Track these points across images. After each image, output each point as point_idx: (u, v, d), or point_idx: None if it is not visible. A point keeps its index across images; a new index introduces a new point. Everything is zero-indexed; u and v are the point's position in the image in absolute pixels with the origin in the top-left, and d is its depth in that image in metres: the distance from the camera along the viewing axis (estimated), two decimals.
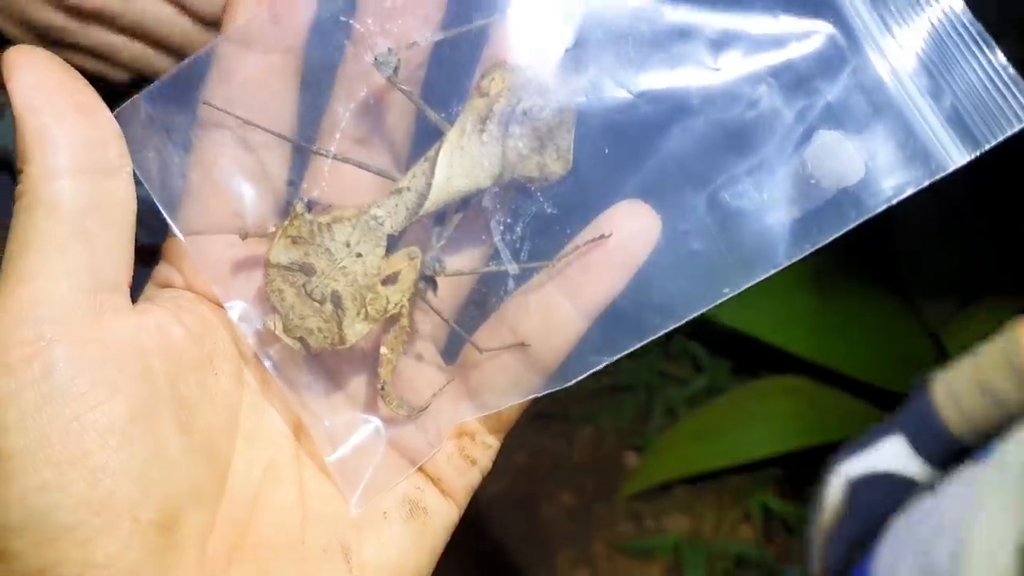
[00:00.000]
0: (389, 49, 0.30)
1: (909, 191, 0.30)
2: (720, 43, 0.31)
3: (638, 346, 0.30)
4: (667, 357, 1.56)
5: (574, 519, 1.47)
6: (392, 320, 0.31)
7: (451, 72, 0.31)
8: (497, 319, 0.31)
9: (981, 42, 0.30)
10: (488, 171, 0.30)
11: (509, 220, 0.31)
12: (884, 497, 0.74)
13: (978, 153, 0.30)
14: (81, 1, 0.47)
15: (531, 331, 0.30)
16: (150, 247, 0.32)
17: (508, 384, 0.31)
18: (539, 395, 0.31)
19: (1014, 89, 0.30)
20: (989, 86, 0.30)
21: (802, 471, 0.98)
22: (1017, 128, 0.30)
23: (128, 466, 0.26)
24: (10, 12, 0.48)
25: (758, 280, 0.30)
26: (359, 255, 0.30)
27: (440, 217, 0.31)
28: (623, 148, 0.31)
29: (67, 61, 0.28)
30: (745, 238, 0.31)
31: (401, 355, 0.31)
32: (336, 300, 0.30)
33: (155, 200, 0.30)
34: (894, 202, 0.30)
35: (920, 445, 0.77)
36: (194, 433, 0.28)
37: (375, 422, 0.31)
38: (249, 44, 0.29)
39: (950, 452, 0.73)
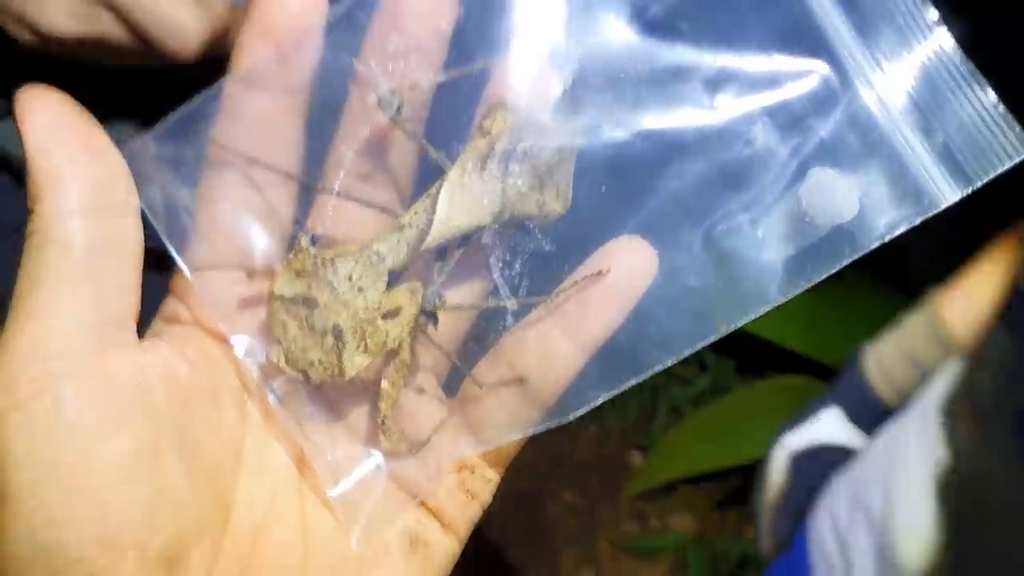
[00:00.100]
0: (392, 90, 0.30)
1: (903, 228, 0.31)
2: (716, 82, 0.31)
3: (636, 381, 0.31)
4: None
5: (578, 518, 1.48)
6: (393, 354, 0.31)
7: (453, 111, 0.32)
8: (496, 354, 0.32)
9: (972, 80, 0.30)
10: (488, 208, 0.31)
11: (508, 257, 0.32)
12: (825, 468, 0.78)
13: (970, 190, 0.31)
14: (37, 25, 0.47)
15: (529, 366, 0.31)
16: (159, 250, 0.32)
17: (508, 419, 0.31)
18: (538, 431, 0.31)
19: (1004, 127, 0.30)
20: (980, 124, 0.30)
21: None
22: (1008, 165, 0.31)
23: (135, 500, 0.27)
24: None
25: (754, 317, 0.31)
26: (360, 289, 0.31)
27: (442, 253, 0.32)
28: (620, 186, 0.31)
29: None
30: (741, 274, 0.31)
31: (402, 388, 0.32)
32: (337, 333, 0.31)
33: (162, 237, 0.31)
34: (887, 239, 0.31)
35: (855, 416, 0.81)
36: (199, 467, 0.29)
37: (377, 456, 0.32)
38: (257, 84, 0.30)
39: (883, 421, 0.77)
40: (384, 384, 0.31)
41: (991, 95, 0.30)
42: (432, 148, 0.31)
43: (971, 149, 0.30)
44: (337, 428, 0.32)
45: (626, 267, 0.30)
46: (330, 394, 0.32)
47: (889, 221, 0.31)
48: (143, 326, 0.30)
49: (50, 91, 0.29)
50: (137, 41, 0.48)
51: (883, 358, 0.81)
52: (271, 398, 0.31)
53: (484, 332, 0.32)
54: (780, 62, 0.31)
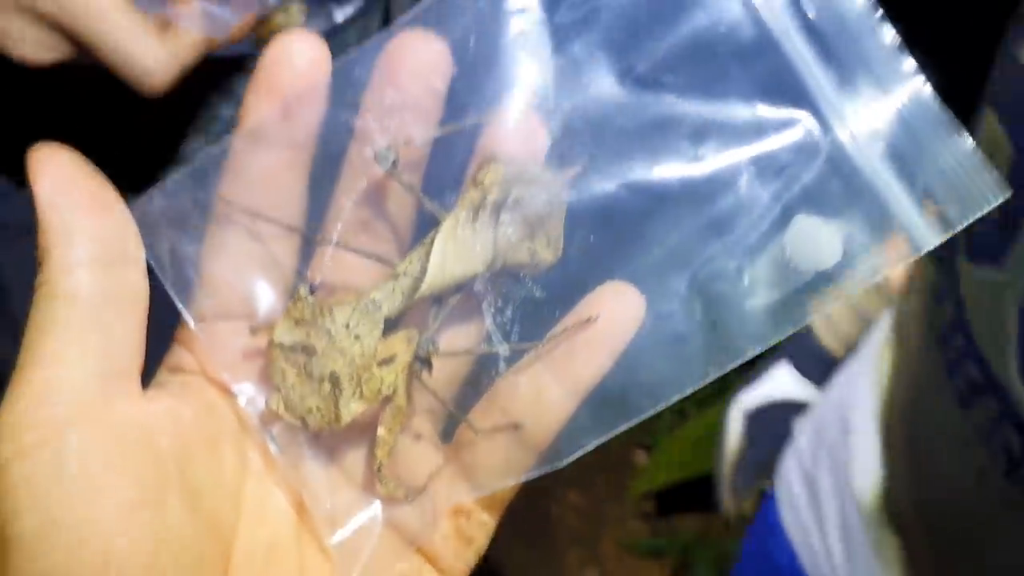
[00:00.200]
0: (388, 146, 0.31)
1: (885, 272, 0.32)
2: (700, 133, 0.32)
3: (627, 427, 0.32)
4: None
5: (583, 518, 1.48)
6: (389, 400, 0.32)
7: (447, 164, 0.33)
8: (489, 399, 0.32)
9: (950, 127, 0.31)
10: (481, 257, 0.32)
11: (500, 303, 0.33)
12: (779, 422, 0.80)
13: (951, 234, 0.32)
14: None
15: (521, 411, 0.32)
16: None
17: (502, 464, 0.32)
18: (532, 476, 0.32)
19: (982, 171, 0.31)
20: (959, 169, 0.31)
21: None
22: (987, 209, 0.31)
23: (138, 549, 0.28)
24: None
25: (741, 361, 0.32)
26: (357, 337, 0.32)
27: (437, 300, 0.33)
28: (609, 235, 0.32)
29: None
30: (727, 320, 0.32)
31: (399, 434, 0.33)
32: (334, 380, 0.32)
33: (168, 290, 0.32)
34: (871, 283, 0.32)
35: (805, 370, 0.83)
36: (201, 515, 0.30)
37: (375, 503, 0.33)
38: (262, 140, 0.31)
39: (831, 372, 0.80)
40: (380, 431, 0.32)
41: (968, 141, 0.31)
42: (427, 199, 0.32)
43: (951, 194, 0.31)
44: (336, 475, 0.33)
45: (614, 313, 0.31)
46: (329, 441, 0.33)
47: (872, 265, 0.32)
48: (147, 376, 0.31)
49: (60, 149, 0.30)
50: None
51: (829, 312, 0.84)
52: (271, 445, 0.32)
53: (478, 377, 0.33)
54: (763, 113, 0.32)
